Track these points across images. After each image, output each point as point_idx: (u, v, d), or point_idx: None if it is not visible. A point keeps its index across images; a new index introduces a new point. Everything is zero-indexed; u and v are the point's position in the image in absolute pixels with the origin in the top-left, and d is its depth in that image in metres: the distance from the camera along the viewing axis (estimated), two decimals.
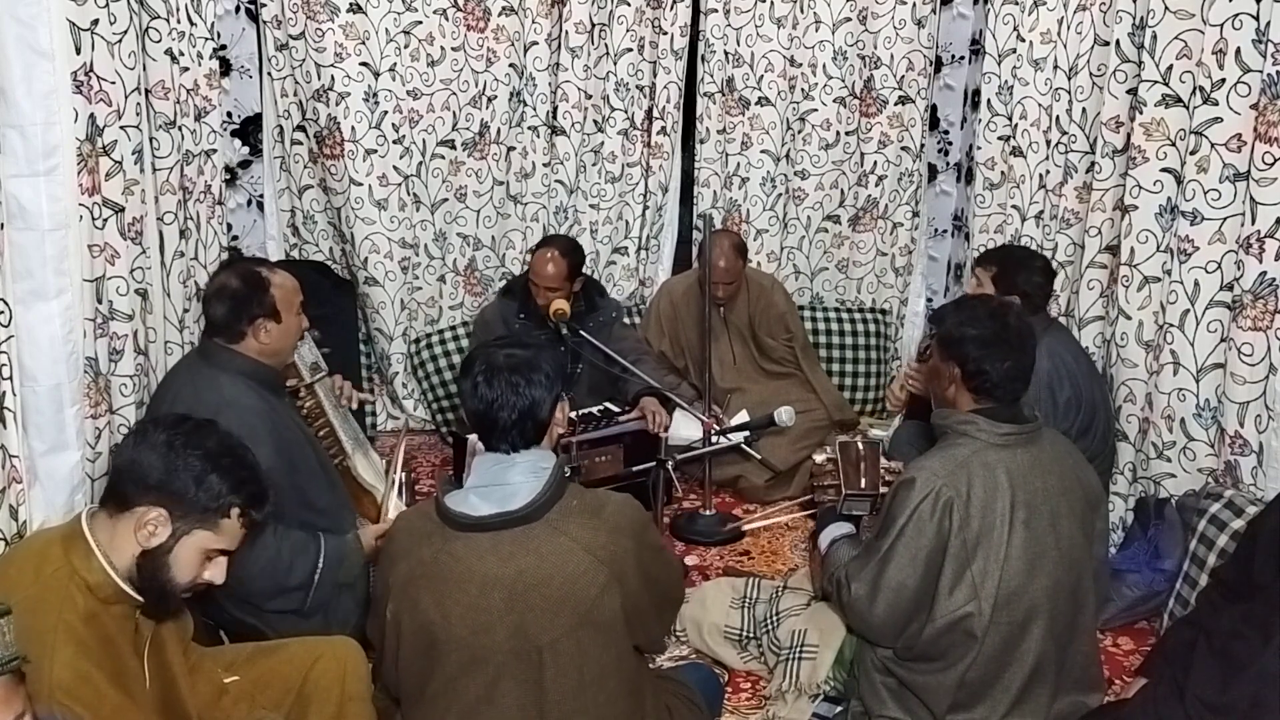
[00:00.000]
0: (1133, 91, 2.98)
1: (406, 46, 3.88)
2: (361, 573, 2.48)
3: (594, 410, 3.52)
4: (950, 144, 4.33)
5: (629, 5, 3.98)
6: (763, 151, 4.22)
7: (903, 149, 4.26)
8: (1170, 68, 2.84)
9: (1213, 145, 2.72)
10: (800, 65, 4.16)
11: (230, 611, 2.33)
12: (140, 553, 1.70)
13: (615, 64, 4.05)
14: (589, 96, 4.08)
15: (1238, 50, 2.64)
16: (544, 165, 4.14)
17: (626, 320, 4.11)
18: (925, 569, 2.14)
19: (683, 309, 3.96)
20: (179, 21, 2.75)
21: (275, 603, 2.33)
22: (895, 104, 4.20)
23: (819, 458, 2.69)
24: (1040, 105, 3.50)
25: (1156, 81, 2.87)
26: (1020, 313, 2.28)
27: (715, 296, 3.84)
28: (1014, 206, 3.65)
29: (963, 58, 4.20)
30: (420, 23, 3.88)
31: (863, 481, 2.58)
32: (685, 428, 3.57)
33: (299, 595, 2.34)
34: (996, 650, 2.15)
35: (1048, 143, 3.47)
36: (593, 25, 4.00)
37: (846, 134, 4.25)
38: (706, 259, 3.67)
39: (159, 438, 1.73)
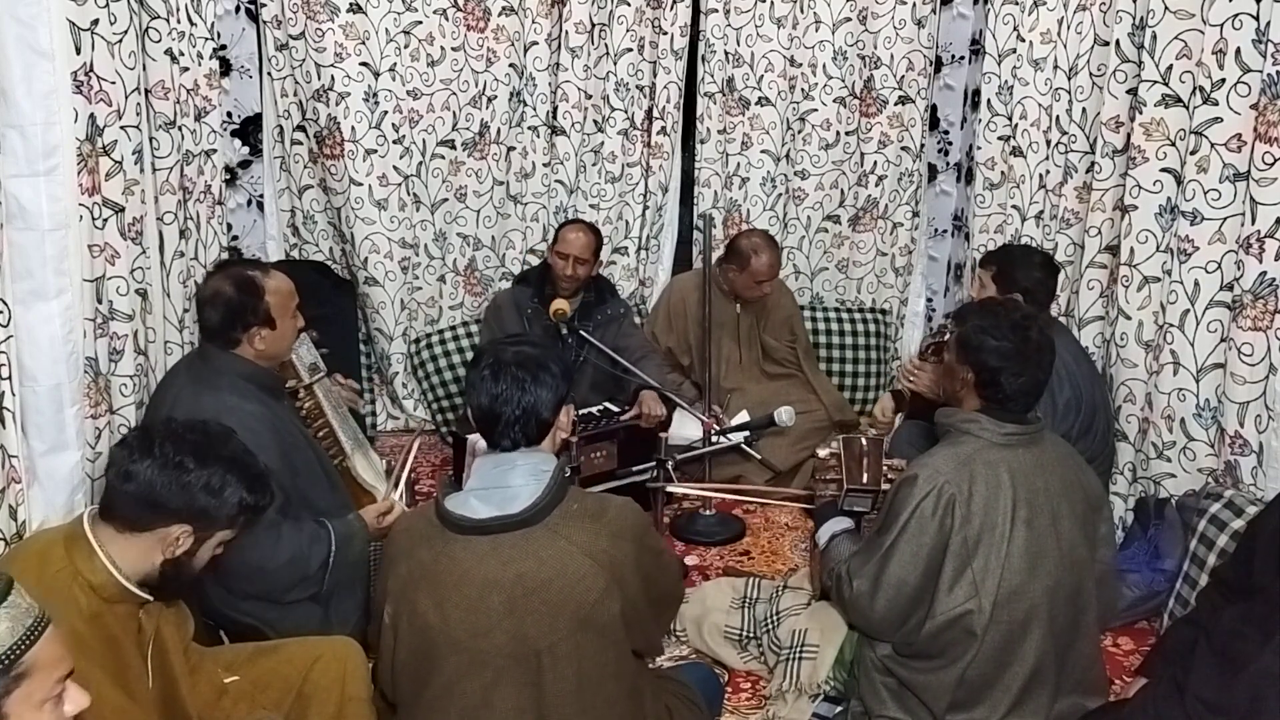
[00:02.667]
0: (1133, 91, 2.98)
1: (406, 46, 3.88)
2: (363, 574, 2.48)
3: (594, 410, 3.52)
4: (950, 144, 4.33)
5: (629, 5, 3.98)
6: (763, 151, 4.22)
7: (903, 149, 4.26)
8: (1170, 68, 2.84)
9: (1213, 145, 2.72)
10: (800, 65, 4.16)
11: (238, 610, 2.34)
12: (162, 560, 1.76)
13: (615, 64, 4.05)
14: (589, 96, 4.08)
15: (1238, 50, 2.64)
16: (544, 165, 4.14)
17: (636, 320, 4.11)
18: (926, 566, 2.15)
19: (694, 306, 3.95)
20: (179, 21, 2.75)
21: (294, 592, 2.37)
22: (895, 104, 4.20)
23: (822, 452, 2.70)
24: (1040, 105, 3.50)
25: (1156, 81, 2.87)
26: (1044, 327, 2.25)
27: (761, 294, 3.84)
28: (1014, 206, 3.65)
29: (963, 58, 4.20)
30: (420, 23, 3.88)
31: (865, 477, 2.58)
32: (685, 427, 3.57)
33: (316, 579, 2.39)
34: (996, 649, 2.15)
35: (1048, 143, 3.47)
36: (593, 25, 4.00)
37: (846, 134, 4.25)
38: (707, 258, 3.68)
39: (167, 456, 1.73)
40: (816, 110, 4.20)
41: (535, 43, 3.98)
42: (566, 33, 3.97)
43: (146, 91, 2.60)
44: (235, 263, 2.67)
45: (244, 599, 2.33)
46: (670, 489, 3.28)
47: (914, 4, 4.06)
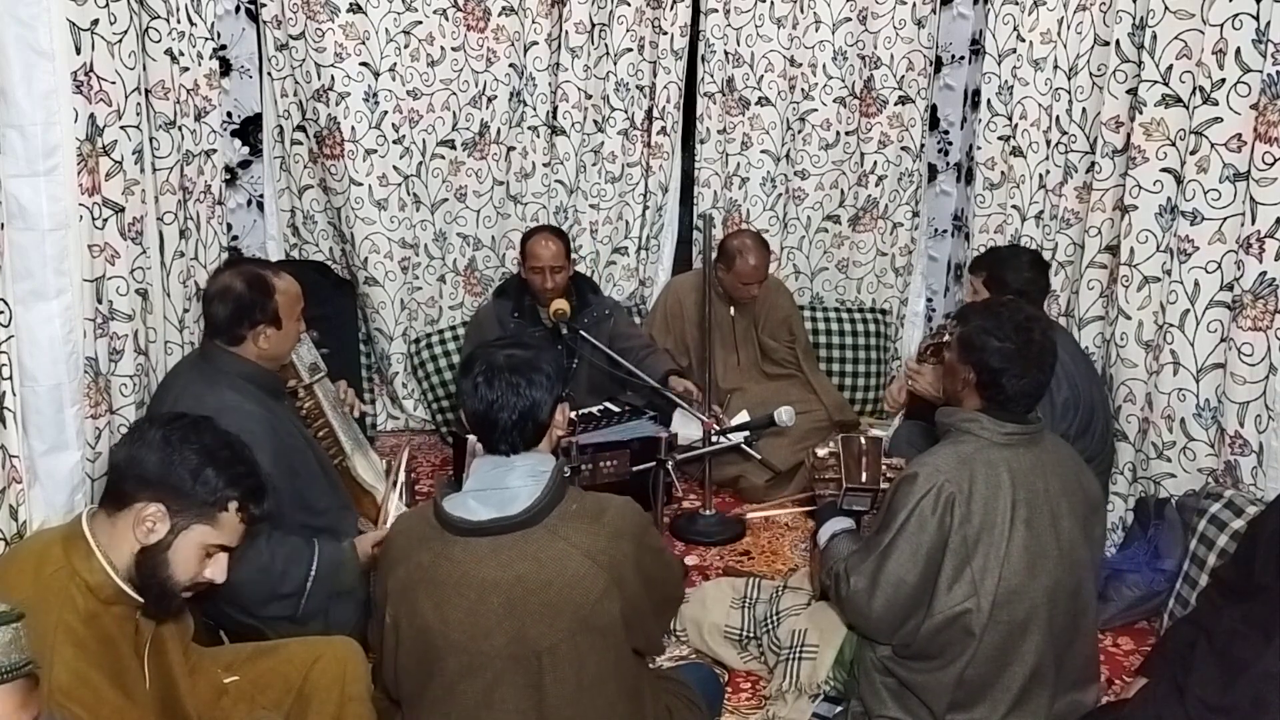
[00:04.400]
0: (1133, 91, 2.98)
1: (406, 46, 3.88)
2: (362, 575, 2.48)
3: (594, 410, 3.52)
4: (950, 144, 4.33)
5: (629, 5, 3.98)
6: (763, 151, 4.22)
7: (903, 149, 4.26)
8: (1170, 68, 2.84)
9: (1213, 145, 2.71)
10: (800, 65, 4.16)
11: (230, 613, 2.33)
12: (139, 550, 1.70)
13: (615, 64, 4.04)
14: (589, 96, 4.08)
15: (1238, 50, 2.64)
16: (544, 165, 4.14)
17: (635, 319, 4.11)
18: (925, 565, 2.14)
19: (693, 308, 3.95)
20: (179, 21, 2.75)
21: (269, 609, 2.32)
22: (895, 104, 4.20)
23: (821, 451, 2.69)
24: (1040, 105, 3.50)
25: (1156, 81, 2.87)
26: (1047, 328, 2.25)
27: (749, 297, 3.85)
28: (1014, 206, 3.65)
29: (963, 58, 4.20)
30: (420, 23, 3.88)
31: (864, 475, 2.58)
32: (685, 428, 3.57)
33: (292, 602, 2.32)
34: (995, 649, 2.15)
35: (1048, 143, 3.47)
36: (593, 25, 4.00)
37: (846, 134, 4.25)
38: (706, 258, 3.67)
39: (155, 434, 1.73)
40: (816, 110, 4.20)
41: (535, 43, 3.98)
42: (566, 33, 3.97)
43: (146, 91, 2.60)
44: (246, 260, 2.66)
45: (224, 603, 2.25)
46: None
47: (914, 4, 4.06)
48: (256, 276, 2.41)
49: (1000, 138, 3.73)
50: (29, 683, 1.33)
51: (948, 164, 4.36)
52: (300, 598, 2.32)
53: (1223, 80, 2.67)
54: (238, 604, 2.29)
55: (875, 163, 4.29)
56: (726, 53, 4.13)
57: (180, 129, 2.76)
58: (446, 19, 3.91)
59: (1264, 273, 2.63)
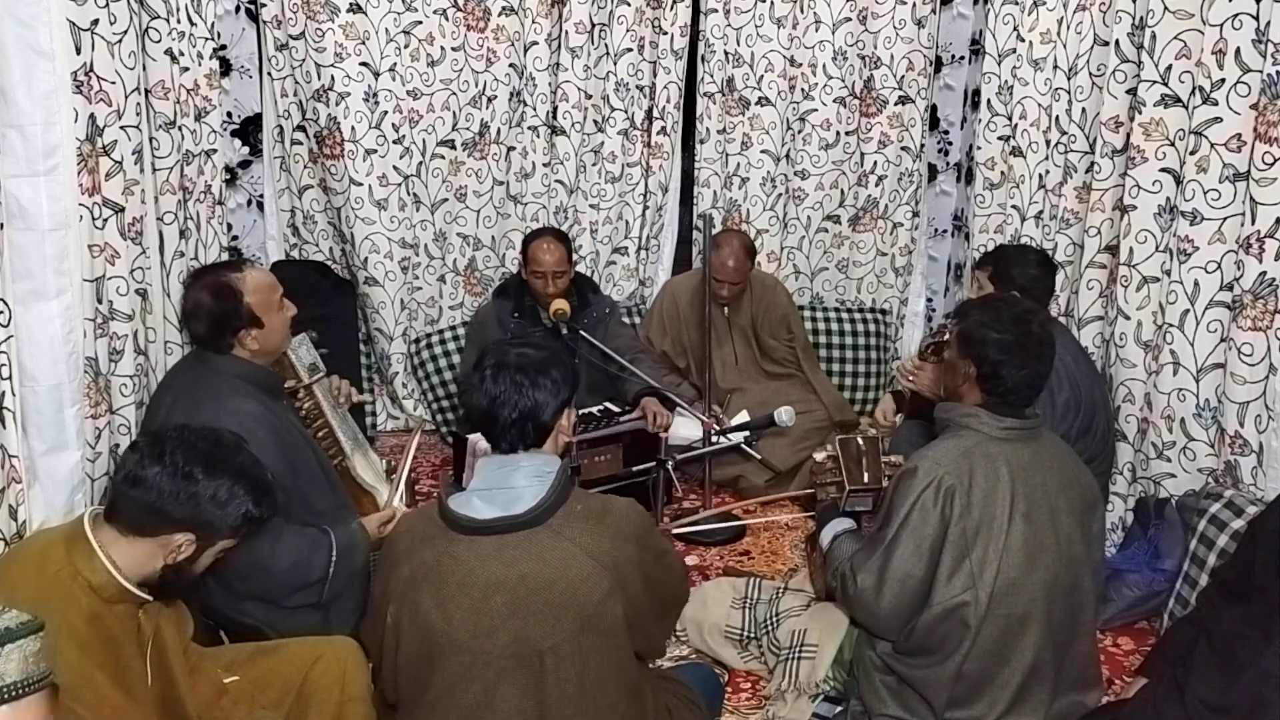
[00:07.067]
0: (1132, 91, 2.98)
1: (406, 46, 3.88)
2: (362, 573, 2.48)
3: (594, 410, 3.52)
4: (950, 144, 4.33)
5: (629, 5, 3.98)
6: (763, 151, 4.22)
7: (903, 149, 4.26)
8: (1170, 68, 2.84)
9: (1212, 145, 2.72)
10: (800, 65, 4.16)
11: (239, 610, 2.34)
12: (164, 565, 1.77)
13: (615, 64, 4.05)
14: (589, 96, 4.08)
15: (1237, 50, 2.64)
16: (544, 165, 4.14)
17: (626, 319, 4.11)
18: (930, 558, 2.14)
19: (686, 308, 3.96)
20: (179, 21, 2.75)
21: (295, 598, 2.36)
22: (895, 104, 4.20)
23: (819, 455, 2.69)
24: (1040, 105, 3.50)
25: (1156, 81, 2.87)
26: (1045, 320, 2.26)
27: (720, 296, 3.85)
28: (1014, 206, 3.65)
29: (963, 58, 4.20)
30: (420, 23, 3.88)
31: (865, 476, 2.58)
32: (685, 428, 3.57)
33: (318, 588, 2.37)
34: (993, 644, 2.15)
35: (1048, 143, 3.47)
36: (593, 25, 4.00)
37: (846, 134, 4.25)
38: (706, 258, 3.67)
39: (176, 464, 1.74)
40: (816, 110, 4.20)
41: (535, 43, 3.98)
42: (566, 33, 3.97)
43: (146, 91, 2.60)
44: (209, 270, 2.58)
45: (245, 600, 2.33)
46: (678, 530, 3.30)
47: (914, 4, 4.07)
48: (221, 286, 2.38)
49: (1000, 138, 3.73)
50: (51, 691, 1.35)
51: (948, 164, 4.36)
52: (325, 583, 2.37)
53: (1222, 80, 2.67)
54: (268, 598, 2.33)
55: (875, 163, 4.29)
56: (726, 53, 4.13)
57: (180, 129, 2.76)
58: (446, 19, 3.91)
59: (1264, 273, 2.63)
